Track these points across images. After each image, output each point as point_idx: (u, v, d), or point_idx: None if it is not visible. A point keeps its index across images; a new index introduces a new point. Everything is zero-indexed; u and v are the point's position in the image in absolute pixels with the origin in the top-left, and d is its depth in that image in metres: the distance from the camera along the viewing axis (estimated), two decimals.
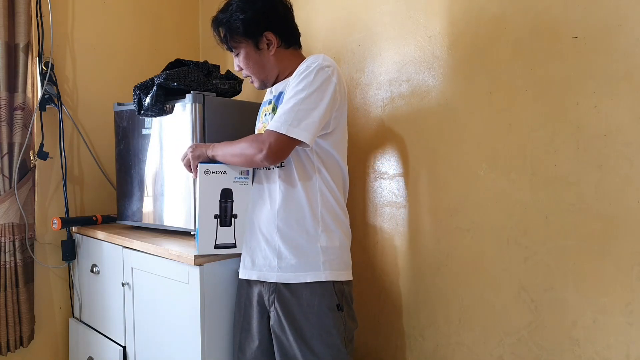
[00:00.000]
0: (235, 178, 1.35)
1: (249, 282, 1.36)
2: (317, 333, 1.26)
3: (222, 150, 1.30)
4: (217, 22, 1.35)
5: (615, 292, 1.18)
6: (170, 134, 1.64)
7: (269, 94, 1.43)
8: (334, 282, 1.28)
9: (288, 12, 1.37)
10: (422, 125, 1.55)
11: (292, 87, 1.24)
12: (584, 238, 1.23)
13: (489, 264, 1.41)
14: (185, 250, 1.42)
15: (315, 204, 1.28)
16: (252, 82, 1.42)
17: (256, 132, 1.44)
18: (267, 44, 1.32)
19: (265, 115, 1.39)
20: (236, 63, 1.39)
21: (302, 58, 1.38)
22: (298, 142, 1.20)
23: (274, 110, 1.33)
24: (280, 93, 1.33)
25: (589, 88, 1.21)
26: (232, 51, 1.37)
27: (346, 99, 1.33)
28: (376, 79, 1.67)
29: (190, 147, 1.37)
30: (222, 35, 1.35)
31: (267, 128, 1.21)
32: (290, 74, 1.34)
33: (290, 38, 1.36)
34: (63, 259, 1.99)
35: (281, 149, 1.20)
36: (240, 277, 1.37)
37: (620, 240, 1.17)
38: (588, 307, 1.23)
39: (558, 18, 1.25)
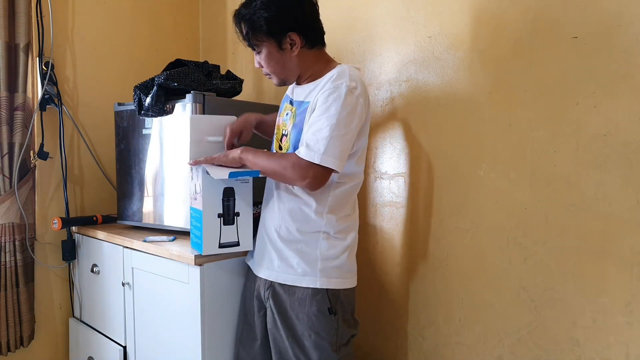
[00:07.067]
0: None
1: (254, 275, 1.38)
2: (307, 333, 1.26)
3: (254, 158, 1.27)
4: (239, 17, 1.28)
5: (615, 292, 1.18)
6: (171, 134, 1.64)
7: (291, 92, 1.40)
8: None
9: (314, 10, 1.31)
10: (422, 125, 1.56)
11: (321, 107, 1.20)
12: (584, 238, 1.23)
13: (489, 264, 1.41)
14: (186, 250, 1.42)
15: (322, 212, 1.27)
16: (270, 79, 1.37)
17: (275, 128, 1.43)
18: (290, 44, 1.27)
19: (287, 113, 1.36)
20: (257, 60, 1.34)
21: (325, 58, 1.34)
22: (333, 170, 1.20)
23: (294, 117, 1.31)
24: (302, 103, 1.30)
25: (589, 88, 1.21)
26: (253, 49, 1.31)
27: (369, 112, 1.31)
28: (376, 79, 1.67)
29: (224, 154, 1.33)
30: (244, 32, 1.29)
31: (303, 155, 1.18)
32: (312, 76, 1.32)
33: (314, 38, 1.30)
34: (63, 259, 1.99)
35: (323, 179, 1.20)
36: (250, 267, 1.39)
37: (620, 240, 1.17)
38: (588, 307, 1.23)
39: (558, 18, 1.25)
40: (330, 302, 1.27)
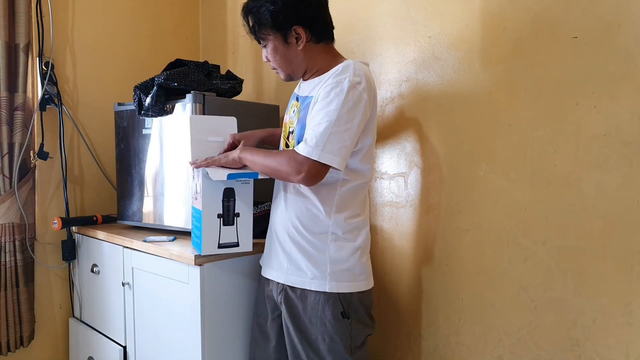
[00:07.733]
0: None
1: (266, 278, 1.38)
2: (322, 337, 1.26)
3: (252, 157, 1.26)
4: (246, 11, 1.28)
5: (615, 292, 1.18)
6: (171, 134, 1.64)
7: (298, 89, 1.39)
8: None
9: (321, 4, 1.30)
10: (422, 126, 1.56)
11: (322, 102, 1.18)
12: (584, 238, 1.23)
13: (489, 264, 1.41)
14: (186, 250, 1.42)
15: (330, 212, 1.26)
16: (278, 74, 1.36)
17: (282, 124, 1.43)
18: (296, 38, 1.25)
19: (294, 110, 1.36)
20: (264, 54, 1.33)
21: (332, 54, 1.33)
22: (331, 167, 1.18)
23: (298, 113, 1.30)
24: (306, 97, 1.29)
25: (588, 88, 1.21)
26: (259, 42, 1.30)
27: (375, 109, 1.28)
28: (376, 79, 1.67)
29: (224, 155, 1.33)
30: (250, 25, 1.28)
31: (301, 150, 1.17)
32: (319, 71, 1.30)
33: (321, 33, 1.28)
34: (63, 259, 1.99)
35: (318, 175, 1.18)
36: (262, 273, 1.39)
37: (620, 240, 1.17)
38: (588, 307, 1.23)
39: (558, 18, 1.25)
40: (343, 306, 1.25)
